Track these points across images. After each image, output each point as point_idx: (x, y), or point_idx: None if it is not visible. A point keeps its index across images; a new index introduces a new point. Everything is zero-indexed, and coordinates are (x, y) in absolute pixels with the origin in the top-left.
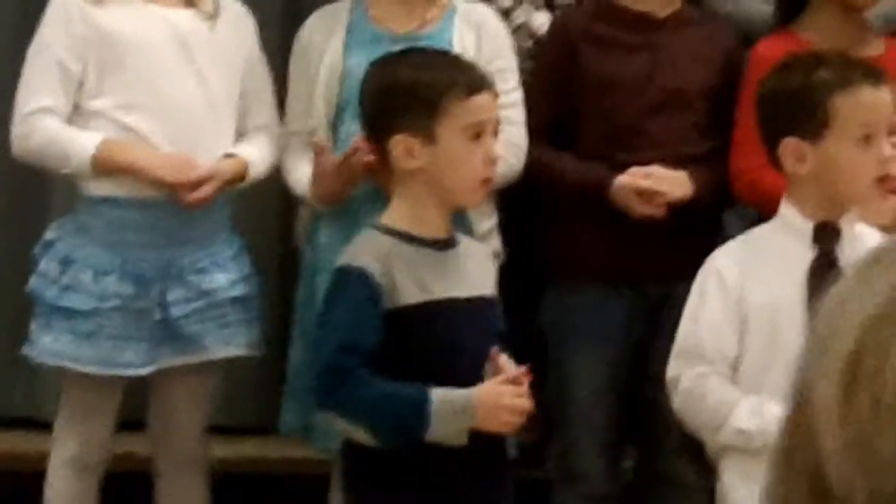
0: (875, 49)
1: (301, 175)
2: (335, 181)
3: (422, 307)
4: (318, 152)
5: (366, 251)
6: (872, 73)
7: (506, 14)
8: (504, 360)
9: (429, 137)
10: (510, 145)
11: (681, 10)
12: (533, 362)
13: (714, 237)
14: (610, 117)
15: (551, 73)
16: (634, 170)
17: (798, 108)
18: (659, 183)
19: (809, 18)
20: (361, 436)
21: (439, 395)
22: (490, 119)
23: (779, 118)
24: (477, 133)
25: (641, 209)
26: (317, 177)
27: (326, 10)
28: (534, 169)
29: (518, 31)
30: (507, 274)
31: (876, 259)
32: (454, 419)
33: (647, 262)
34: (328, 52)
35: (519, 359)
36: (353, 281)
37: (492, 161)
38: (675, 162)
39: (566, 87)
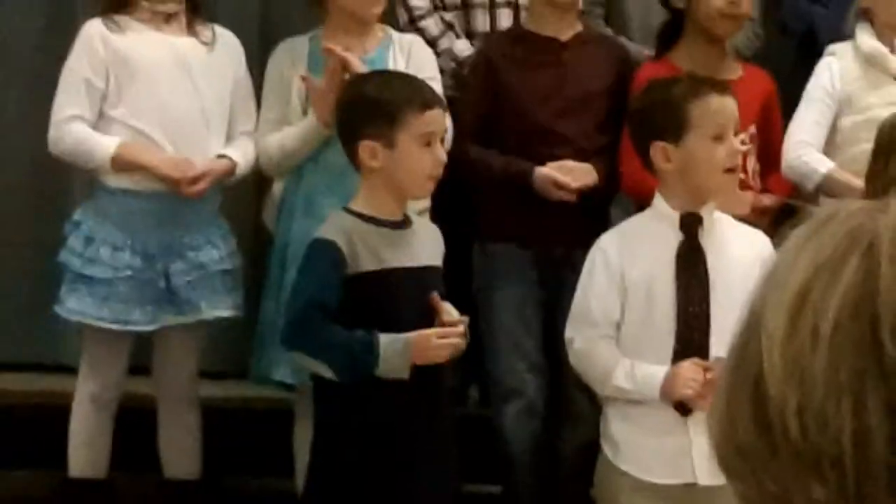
0: (735, 73)
1: (290, 131)
2: (329, 94)
3: (376, 273)
4: (309, 83)
5: (334, 228)
6: (718, 85)
7: (433, 42)
8: (442, 304)
9: (389, 143)
10: None
11: (580, 32)
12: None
13: (604, 214)
14: (525, 121)
15: (478, 88)
16: (551, 164)
17: (661, 117)
18: (570, 174)
19: (681, 48)
20: (325, 371)
21: (384, 339)
22: (439, 130)
23: (647, 128)
24: (428, 141)
25: (558, 195)
26: (316, 101)
27: (289, 42)
28: (467, 164)
29: (443, 55)
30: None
31: (828, 217)
32: (397, 357)
33: (552, 231)
34: (294, 78)
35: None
36: (322, 250)
37: (440, 164)
38: (580, 155)
39: (490, 99)
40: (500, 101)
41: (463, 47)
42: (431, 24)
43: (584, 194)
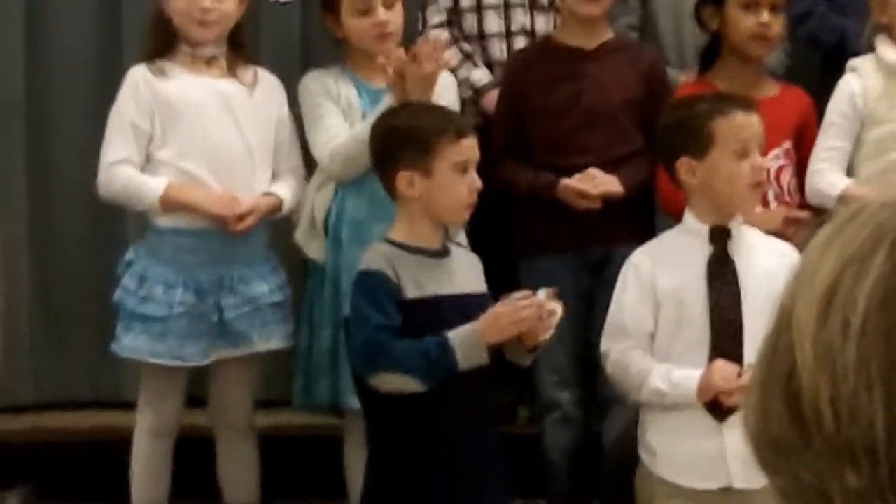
0: (772, 91)
1: (367, 119)
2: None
3: (420, 301)
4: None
5: (377, 257)
6: (743, 102)
7: (451, 72)
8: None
9: (426, 172)
10: None
11: (608, 41)
12: None
13: (647, 216)
14: (549, 132)
15: (506, 105)
16: (576, 175)
17: (687, 134)
18: (592, 182)
19: (719, 68)
20: (409, 384)
21: (453, 333)
22: (473, 157)
23: (673, 144)
24: (464, 169)
25: (583, 204)
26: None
27: (319, 71)
28: (499, 180)
29: (461, 84)
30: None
31: (852, 215)
32: (471, 346)
33: (589, 234)
34: (342, 96)
35: None
36: (372, 281)
37: (475, 191)
38: (604, 164)
39: (517, 115)
40: (526, 114)
41: (481, 76)
42: (450, 55)
43: (620, 199)
